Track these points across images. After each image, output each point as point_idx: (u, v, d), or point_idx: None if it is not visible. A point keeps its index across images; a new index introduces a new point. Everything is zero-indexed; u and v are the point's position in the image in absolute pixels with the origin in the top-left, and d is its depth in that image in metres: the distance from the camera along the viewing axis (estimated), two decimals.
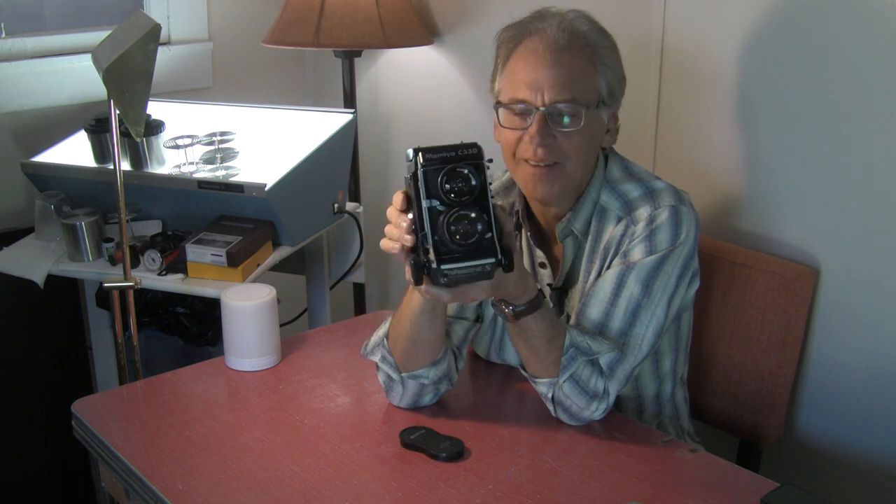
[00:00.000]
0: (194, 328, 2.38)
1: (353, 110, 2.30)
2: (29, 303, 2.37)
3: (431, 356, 1.47)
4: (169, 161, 2.16)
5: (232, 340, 1.67)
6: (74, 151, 2.23)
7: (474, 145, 1.25)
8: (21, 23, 2.43)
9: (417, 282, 1.26)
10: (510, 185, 1.61)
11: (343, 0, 2.30)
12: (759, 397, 1.74)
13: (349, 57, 2.48)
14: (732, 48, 1.82)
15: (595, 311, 1.47)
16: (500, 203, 1.35)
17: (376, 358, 1.51)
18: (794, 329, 1.72)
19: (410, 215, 1.26)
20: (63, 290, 2.38)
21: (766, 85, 1.78)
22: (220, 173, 2.08)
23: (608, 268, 1.50)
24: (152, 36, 1.75)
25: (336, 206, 2.25)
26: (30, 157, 2.22)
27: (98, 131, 2.14)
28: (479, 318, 1.62)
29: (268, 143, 2.22)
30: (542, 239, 1.60)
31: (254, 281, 1.97)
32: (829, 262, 1.75)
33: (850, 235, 1.71)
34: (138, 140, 2.03)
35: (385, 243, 1.30)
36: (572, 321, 1.50)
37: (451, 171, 1.23)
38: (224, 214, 2.06)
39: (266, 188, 1.98)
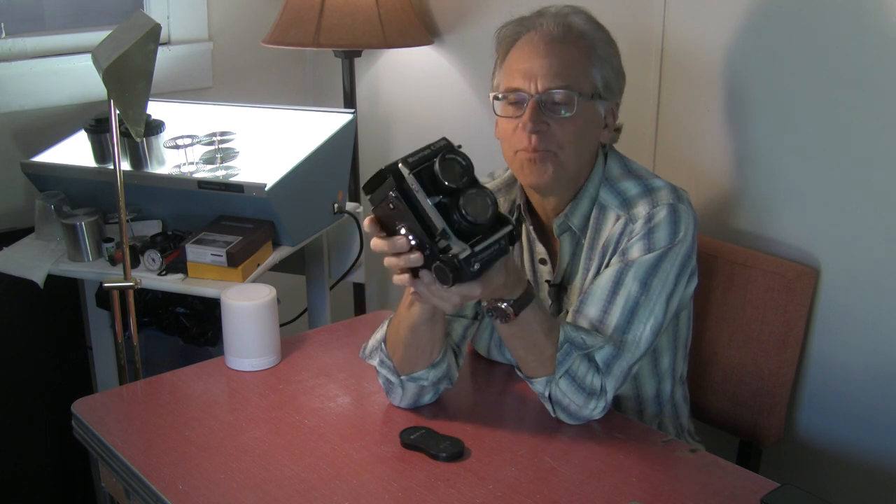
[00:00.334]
0: (194, 328, 2.38)
1: (353, 110, 2.30)
2: (29, 303, 2.37)
3: (431, 359, 1.47)
4: (169, 161, 2.16)
5: (232, 340, 1.67)
6: (74, 151, 2.23)
7: (442, 139, 1.27)
8: (21, 23, 2.43)
9: (455, 280, 1.23)
10: (511, 181, 1.62)
11: (343, 0, 2.30)
12: (759, 397, 1.74)
13: (349, 57, 2.48)
14: (732, 48, 1.82)
15: (593, 309, 1.47)
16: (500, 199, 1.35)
17: (374, 362, 1.52)
18: (794, 329, 1.72)
19: (402, 232, 1.25)
20: (63, 290, 2.38)
21: (766, 85, 1.78)
22: (220, 173, 2.08)
23: (607, 266, 1.50)
24: (152, 36, 1.75)
25: (336, 206, 2.25)
26: (30, 157, 2.22)
27: (98, 131, 2.14)
28: (477, 316, 1.62)
29: (268, 143, 2.22)
30: (543, 234, 1.60)
31: (254, 281, 1.97)
32: (829, 262, 1.75)
33: (850, 235, 1.71)
34: (138, 140, 2.03)
35: (399, 278, 1.29)
36: (569, 318, 1.50)
37: (441, 162, 1.23)
38: (224, 214, 2.06)
39: (266, 188, 1.98)
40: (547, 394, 1.44)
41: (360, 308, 2.71)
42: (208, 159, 2.13)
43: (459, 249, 1.22)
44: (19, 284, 2.06)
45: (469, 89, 2.42)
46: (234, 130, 2.23)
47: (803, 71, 1.72)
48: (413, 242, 1.25)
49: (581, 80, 1.48)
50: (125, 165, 2.13)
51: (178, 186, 2.07)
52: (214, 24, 2.68)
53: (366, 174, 2.67)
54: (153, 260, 2.00)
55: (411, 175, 1.22)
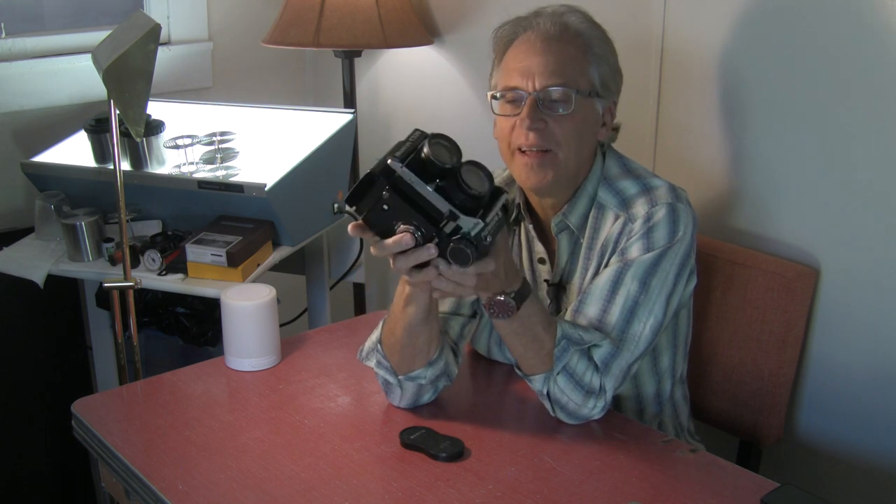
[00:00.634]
0: (194, 328, 2.38)
1: (353, 110, 2.31)
2: (29, 303, 2.37)
3: (428, 357, 1.47)
4: (169, 161, 2.16)
5: (232, 340, 1.67)
6: (74, 151, 2.23)
7: (415, 130, 1.25)
8: (21, 23, 2.43)
9: (474, 258, 1.22)
10: (510, 181, 1.62)
11: (343, 0, 2.30)
12: (759, 397, 1.74)
13: (349, 57, 2.48)
14: (732, 48, 1.82)
15: (592, 308, 1.47)
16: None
17: (371, 363, 1.52)
18: (794, 329, 1.72)
19: (399, 232, 1.23)
20: (63, 290, 2.38)
21: (766, 84, 1.78)
22: (220, 173, 2.08)
23: (606, 265, 1.50)
24: (152, 36, 1.75)
25: (336, 206, 2.25)
26: (30, 157, 2.22)
27: (98, 131, 2.14)
28: (475, 314, 1.62)
29: (268, 143, 2.22)
30: (542, 233, 1.60)
31: (254, 281, 1.97)
32: (829, 262, 1.75)
33: (850, 235, 1.71)
34: (138, 140, 2.03)
35: (419, 277, 1.27)
36: (568, 317, 1.50)
37: (430, 147, 1.21)
38: (224, 214, 2.06)
39: (266, 188, 1.98)
40: (545, 391, 1.43)
41: (360, 308, 2.71)
42: (208, 159, 2.13)
43: (471, 225, 1.21)
44: (19, 284, 2.06)
45: (469, 89, 2.42)
46: (234, 130, 2.23)
47: (803, 71, 1.72)
48: (419, 238, 1.23)
49: (578, 77, 1.48)
50: (125, 165, 2.13)
51: (178, 186, 2.07)
52: (214, 24, 2.68)
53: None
54: (153, 260, 2.00)
55: (404, 168, 1.20)
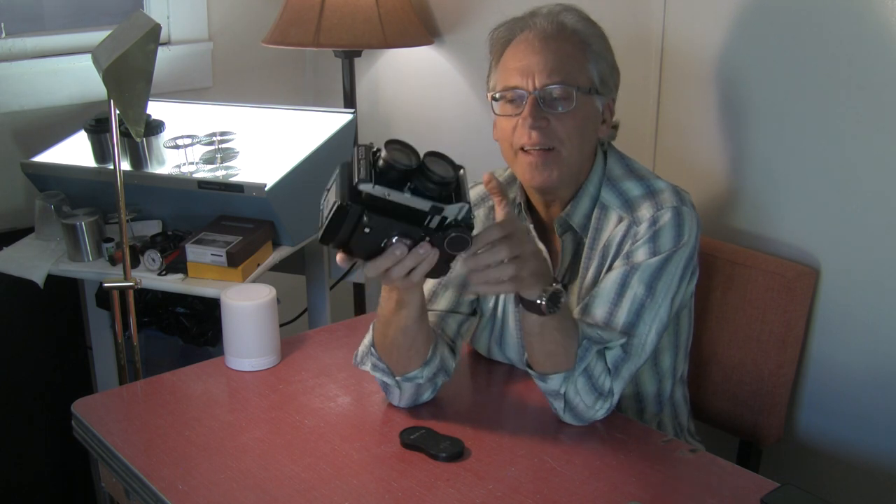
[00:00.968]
0: (194, 328, 2.38)
1: (353, 110, 2.30)
2: (29, 303, 2.37)
3: (422, 358, 1.47)
4: (169, 161, 2.16)
5: (232, 340, 1.67)
6: (74, 151, 2.23)
7: (356, 146, 1.24)
8: (21, 23, 2.43)
9: (470, 241, 1.22)
10: (510, 180, 1.62)
11: (343, 0, 2.30)
12: (759, 397, 1.74)
13: (349, 57, 2.48)
14: (732, 48, 1.82)
15: (598, 311, 1.47)
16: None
17: (367, 367, 1.51)
18: (794, 329, 1.72)
19: (397, 241, 1.22)
20: (63, 290, 2.38)
21: (766, 84, 1.78)
22: (220, 173, 2.08)
23: (609, 269, 1.50)
24: (152, 36, 1.75)
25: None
26: (30, 157, 2.22)
27: (98, 131, 2.14)
28: (474, 312, 1.62)
29: (268, 143, 2.22)
30: (543, 233, 1.60)
31: (254, 281, 1.97)
32: (829, 262, 1.75)
33: (850, 235, 1.71)
34: (138, 140, 2.04)
35: (430, 283, 1.27)
36: None
37: (389, 154, 1.19)
38: (224, 214, 2.06)
39: (266, 188, 1.98)
40: (563, 391, 1.42)
41: (360, 308, 2.71)
42: (208, 159, 2.13)
43: (457, 210, 1.21)
44: (19, 284, 2.06)
45: (469, 89, 2.42)
46: (234, 130, 2.23)
47: (803, 71, 1.72)
48: (408, 243, 1.23)
49: (578, 75, 1.48)
50: (125, 165, 2.13)
51: (178, 186, 2.07)
52: (214, 24, 2.68)
53: None
54: (153, 260, 2.00)
55: (376, 186, 1.18)
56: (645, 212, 1.49)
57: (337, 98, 2.60)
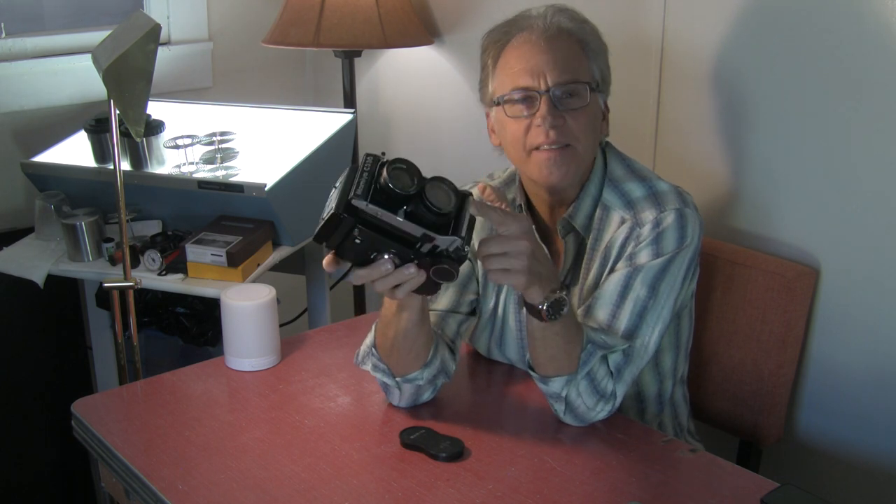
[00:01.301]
0: (194, 328, 2.38)
1: (353, 110, 2.30)
2: (29, 303, 2.37)
3: (423, 360, 1.47)
4: (169, 161, 2.16)
5: (232, 340, 1.67)
6: (74, 151, 2.23)
7: (366, 155, 1.23)
8: (21, 23, 2.43)
9: (455, 274, 1.23)
10: (510, 180, 1.62)
11: (343, 0, 2.30)
12: (759, 397, 1.74)
13: (349, 57, 2.48)
14: (732, 48, 1.82)
15: (601, 313, 1.47)
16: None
17: (368, 367, 1.51)
18: (794, 329, 1.72)
19: (386, 257, 1.23)
20: (63, 290, 2.38)
21: (766, 85, 1.78)
22: (220, 173, 2.08)
23: (611, 270, 1.50)
24: (152, 36, 1.75)
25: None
26: (30, 157, 2.22)
27: (98, 131, 2.14)
28: (473, 312, 1.62)
29: (268, 143, 2.22)
30: (544, 233, 1.60)
31: (254, 281, 1.97)
32: (829, 262, 1.75)
33: (850, 235, 1.71)
34: (138, 140, 2.04)
35: (401, 298, 1.28)
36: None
37: (390, 175, 1.18)
38: (224, 214, 2.06)
39: (266, 188, 1.98)
40: (564, 394, 1.42)
41: (360, 308, 2.71)
42: (208, 159, 2.13)
43: (448, 243, 1.21)
44: (19, 284, 2.06)
45: (469, 89, 2.42)
46: (234, 130, 2.23)
47: (803, 71, 1.72)
48: (397, 261, 1.23)
49: (584, 72, 1.49)
50: (125, 165, 2.13)
51: (178, 186, 2.07)
52: (214, 24, 2.68)
53: None
54: (153, 260, 2.00)
55: (369, 205, 1.18)
56: (648, 214, 1.49)
57: (337, 98, 2.60)
